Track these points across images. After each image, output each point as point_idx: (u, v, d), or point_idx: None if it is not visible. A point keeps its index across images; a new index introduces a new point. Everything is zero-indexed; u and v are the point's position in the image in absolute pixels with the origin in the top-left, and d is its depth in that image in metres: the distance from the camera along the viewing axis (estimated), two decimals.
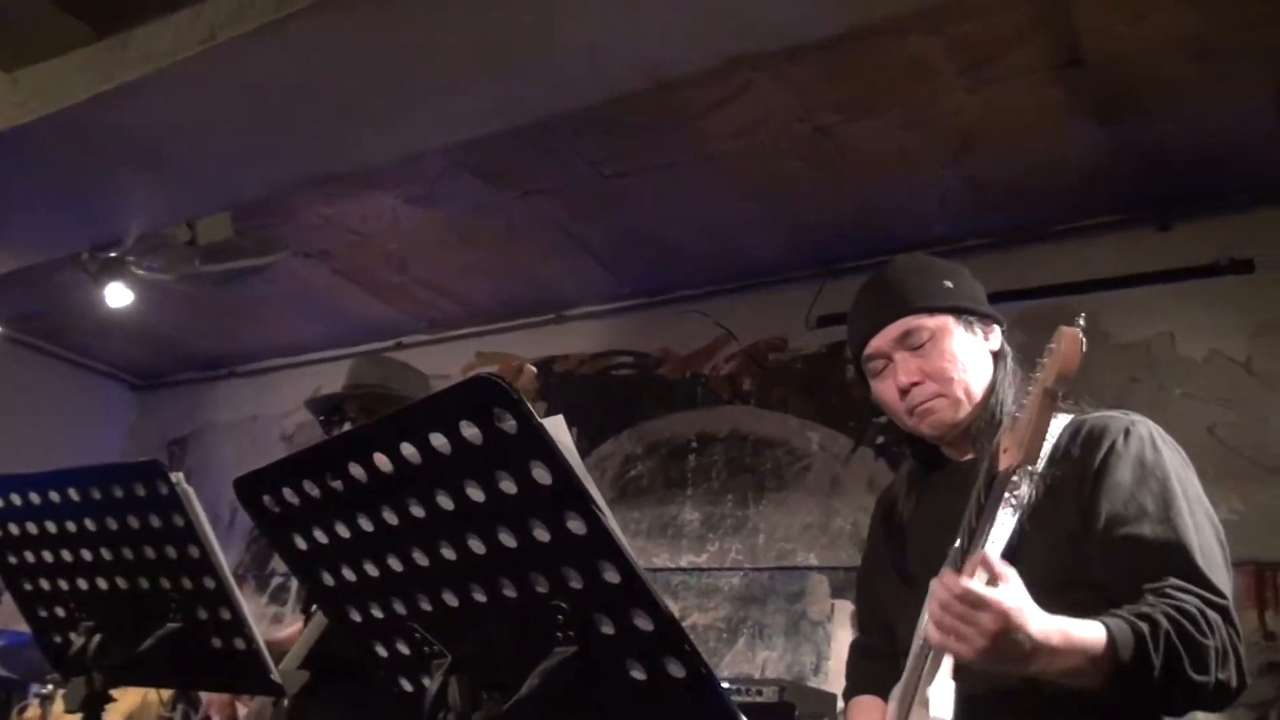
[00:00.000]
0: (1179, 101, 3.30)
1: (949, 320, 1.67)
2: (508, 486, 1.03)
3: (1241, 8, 2.89)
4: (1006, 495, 1.40)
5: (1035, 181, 3.79)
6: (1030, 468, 1.33)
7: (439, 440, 1.04)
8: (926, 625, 1.38)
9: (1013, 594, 1.29)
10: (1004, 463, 1.31)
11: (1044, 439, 1.28)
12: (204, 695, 2.42)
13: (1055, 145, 3.58)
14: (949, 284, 1.70)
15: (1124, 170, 3.68)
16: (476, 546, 1.09)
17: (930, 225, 4.09)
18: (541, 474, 1.00)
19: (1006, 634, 1.26)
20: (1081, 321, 1.25)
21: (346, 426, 2.40)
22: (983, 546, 1.35)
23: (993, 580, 1.31)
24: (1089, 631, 1.32)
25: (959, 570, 1.35)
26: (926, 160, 3.73)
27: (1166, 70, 3.16)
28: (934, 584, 1.35)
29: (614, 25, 2.75)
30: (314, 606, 2.32)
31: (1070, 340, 1.23)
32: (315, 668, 2.14)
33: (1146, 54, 3.10)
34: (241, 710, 2.42)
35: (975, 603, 1.28)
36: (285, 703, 2.22)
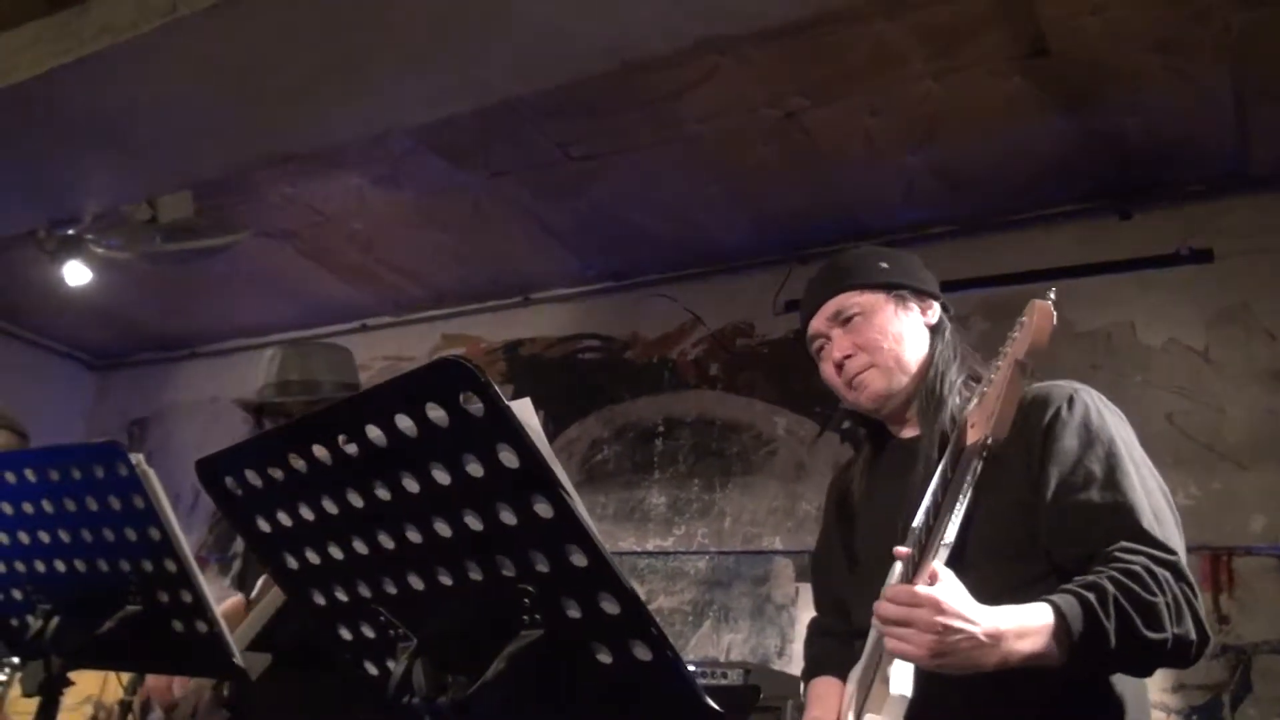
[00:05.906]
0: (1140, 92, 3.33)
1: (881, 296, 1.73)
2: (474, 469, 1.02)
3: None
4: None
5: (999, 169, 3.81)
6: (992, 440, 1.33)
7: (405, 423, 1.03)
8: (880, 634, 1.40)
9: (945, 588, 1.32)
10: (972, 436, 1.32)
11: (1014, 411, 1.28)
12: (148, 680, 2.34)
13: (1019, 134, 3.60)
14: (884, 265, 1.77)
15: (1086, 160, 3.71)
16: (442, 529, 1.09)
17: (896, 211, 4.11)
18: (508, 457, 1.00)
19: (949, 628, 1.28)
20: (1052, 295, 1.27)
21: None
22: (949, 522, 1.36)
23: (929, 582, 1.33)
24: (1039, 614, 1.34)
25: (912, 571, 1.36)
26: (892, 147, 3.74)
27: (1128, 61, 3.19)
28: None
29: (577, 5, 2.74)
30: (255, 586, 2.30)
31: (1042, 313, 1.24)
32: (263, 649, 2.12)
33: (1108, 45, 3.13)
34: (178, 691, 2.36)
35: (908, 600, 1.31)
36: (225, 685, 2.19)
